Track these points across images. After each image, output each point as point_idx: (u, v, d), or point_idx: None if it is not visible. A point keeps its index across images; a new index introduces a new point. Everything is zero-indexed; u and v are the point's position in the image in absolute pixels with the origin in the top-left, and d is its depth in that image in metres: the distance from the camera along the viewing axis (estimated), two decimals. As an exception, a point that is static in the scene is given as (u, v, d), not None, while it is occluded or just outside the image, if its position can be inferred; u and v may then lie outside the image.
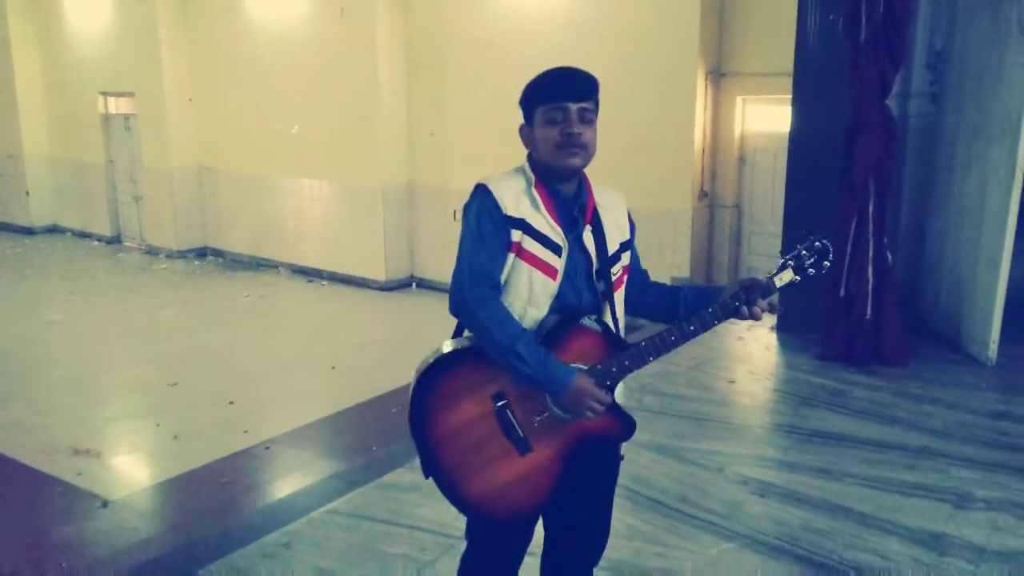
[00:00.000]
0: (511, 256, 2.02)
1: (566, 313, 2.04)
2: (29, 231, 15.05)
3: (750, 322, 6.05)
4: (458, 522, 2.27)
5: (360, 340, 9.00)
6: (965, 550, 3.20)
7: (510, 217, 2.01)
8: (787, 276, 2.12)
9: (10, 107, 14.63)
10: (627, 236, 2.19)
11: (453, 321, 2.11)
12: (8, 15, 14.13)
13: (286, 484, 5.69)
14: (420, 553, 3.20)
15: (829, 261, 2.15)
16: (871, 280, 5.24)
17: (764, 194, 8.66)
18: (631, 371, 2.04)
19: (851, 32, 5.05)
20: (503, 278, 2.04)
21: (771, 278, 2.11)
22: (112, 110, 13.79)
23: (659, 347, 2.03)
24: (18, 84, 14.43)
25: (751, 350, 5.74)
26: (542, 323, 2.04)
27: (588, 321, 2.03)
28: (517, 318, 2.02)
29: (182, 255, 13.02)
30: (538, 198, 2.04)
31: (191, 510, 5.33)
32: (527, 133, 2.10)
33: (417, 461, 2.13)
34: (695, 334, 2.05)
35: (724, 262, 8.97)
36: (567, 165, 2.02)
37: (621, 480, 3.72)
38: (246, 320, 10.04)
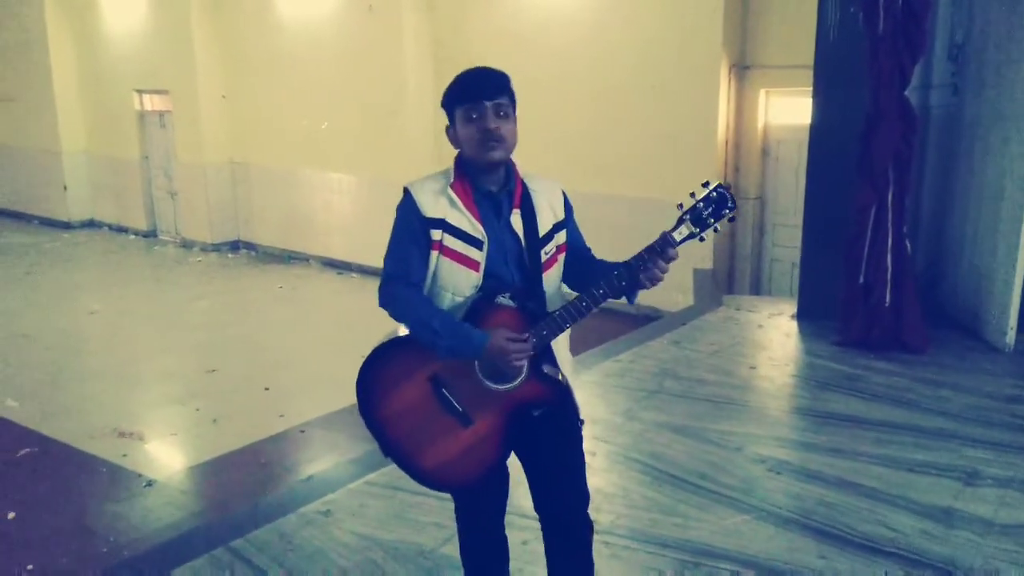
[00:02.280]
0: (435, 253, 2.21)
1: (490, 292, 2.21)
2: (67, 225, 15.40)
3: (770, 310, 6.26)
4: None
5: (389, 330, 9.18)
6: (973, 523, 3.33)
7: (429, 218, 2.19)
8: (686, 230, 2.15)
9: (48, 104, 14.97)
10: (561, 217, 2.33)
11: None
12: (45, 14, 14.46)
13: (322, 464, 5.90)
14: (450, 521, 3.35)
15: (729, 210, 2.14)
16: (890, 268, 5.33)
17: (787, 186, 8.74)
18: (550, 339, 2.20)
19: (870, 24, 5.14)
20: (430, 272, 2.23)
21: (669, 233, 2.15)
22: (147, 107, 14.08)
23: (573, 313, 2.17)
24: (55, 82, 14.77)
25: (771, 337, 5.87)
26: (466, 305, 2.23)
27: (502, 298, 2.20)
28: (446, 307, 2.23)
29: (216, 248, 13.31)
30: (455, 197, 2.20)
31: (233, 487, 5.56)
32: (452, 134, 2.25)
33: None
34: (605, 297, 2.16)
35: (747, 253, 9.07)
36: (488, 159, 2.17)
37: (642, 457, 3.93)
38: (279, 311, 10.29)
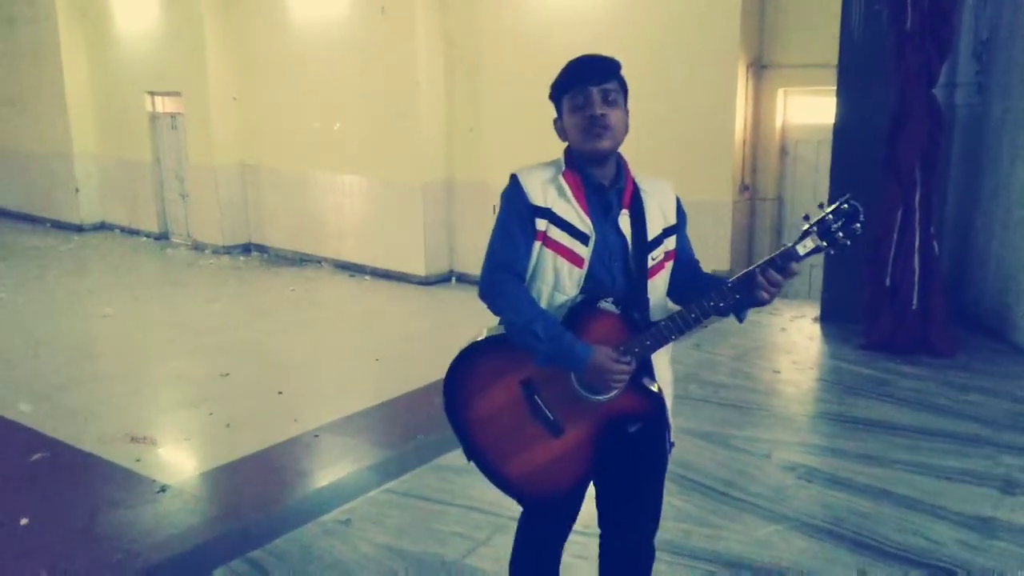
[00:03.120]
0: (537, 244, 2.10)
1: (592, 296, 2.09)
2: (79, 228, 15.38)
3: (791, 313, 6.14)
4: (511, 503, 2.35)
5: (402, 333, 9.14)
6: (1014, 534, 3.22)
7: (536, 206, 2.08)
8: (811, 243, 1.99)
9: (59, 107, 14.96)
10: (673, 222, 2.19)
11: (491, 314, 2.21)
12: (58, 17, 14.45)
13: (337, 469, 5.83)
14: (474, 531, 3.30)
15: (860, 223, 1.99)
16: (917, 270, 5.22)
17: (806, 186, 8.63)
18: (653, 350, 2.07)
19: (897, 21, 5.03)
20: (531, 265, 2.12)
21: (793, 246, 2.00)
22: (159, 109, 14.05)
23: (680, 325, 2.03)
24: (67, 84, 14.76)
25: (794, 340, 5.76)
26: (566, 306, 2.10)
27: (605, 304, 2.07)
28: (545, 304, 2.11)
29: (227, 251, 13.25)
30: (566, 186, 2.09)
31: (247, 494, 5.47)
32: (559, 126, 2.17)
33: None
34: (715, 310, 2.03)
35: (765, 255, 8.92)
36: (596, 148, 2.06)
37: (669, 465, 3.82)
38: (292, 314, 10.22)
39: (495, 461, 2.18)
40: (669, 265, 2.21)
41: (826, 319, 6.04)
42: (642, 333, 2.06)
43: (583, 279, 2.10)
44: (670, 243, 2.20)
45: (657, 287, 2.17)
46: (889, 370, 5.04)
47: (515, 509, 2.37)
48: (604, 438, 2.13)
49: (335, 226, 12.15)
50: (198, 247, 13.67)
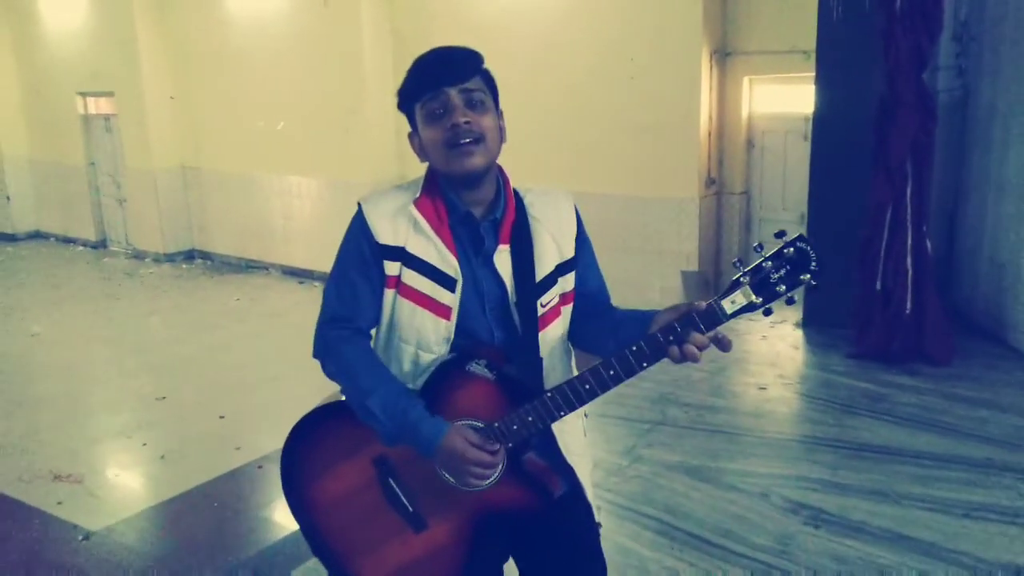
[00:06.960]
0: (390, 292, 1.64)
1: (462, 356, 1.63)
2: (11, 238, 14.58)
3: (772, 318, 5.74)
4: None
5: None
6: (1057, 588, 2.81)
7: (384, 246, 1.64)
8: (742, 299, 1.47)
9: (-13, 110, 14.16)
10: (570, 255, 1.72)
11: None
12: (-20, 17, 13.66)
13: (279, 508, 5.31)
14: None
15: (810, 274, 1.48)
16: (910, 271, 4.82)
17: (774, 179, 8.26)
18: (537, 428, 1.58)
19: (884, 1, 4.61)
20: (386, 319, 1.67)
21: (717, 302, 1.48)
22: (92, 111, 13.32)
23: (571, 399, 1.55)
24: (-6, 86, 13.95)
25: (778, 350, 5.32)
26: (429, 370, 1.66)
27: (476, 367, 1.60)
28: (408, 367, 1.66)
29: (169, 259, 12.60)
30: (420, 219, 1.64)
31: (178, 541, 4.93)
32: (416, 143, 1.70)
33: None
34: (617, 380, 1.53)
35: (734, 251, 8.56)
36: (464, 167, 1.59)
37: (654, 511, 3.34)
38: (237, 325, 9.63)
39: (342, 557, 1.71)
40: (567, 310, 1.72)
41: (809, 324, 5.63)
42: (523, 407, 1.57)
43: (453, 334, 1.63)
44: (567, 282, 1.71)
45: (552, 339, 1.69)
46: (885, 383, 4.63)
47: None
48: (486, 536, 1.65)
49: (283, 230, 11.56)
50: (138, 255, 12.97)
